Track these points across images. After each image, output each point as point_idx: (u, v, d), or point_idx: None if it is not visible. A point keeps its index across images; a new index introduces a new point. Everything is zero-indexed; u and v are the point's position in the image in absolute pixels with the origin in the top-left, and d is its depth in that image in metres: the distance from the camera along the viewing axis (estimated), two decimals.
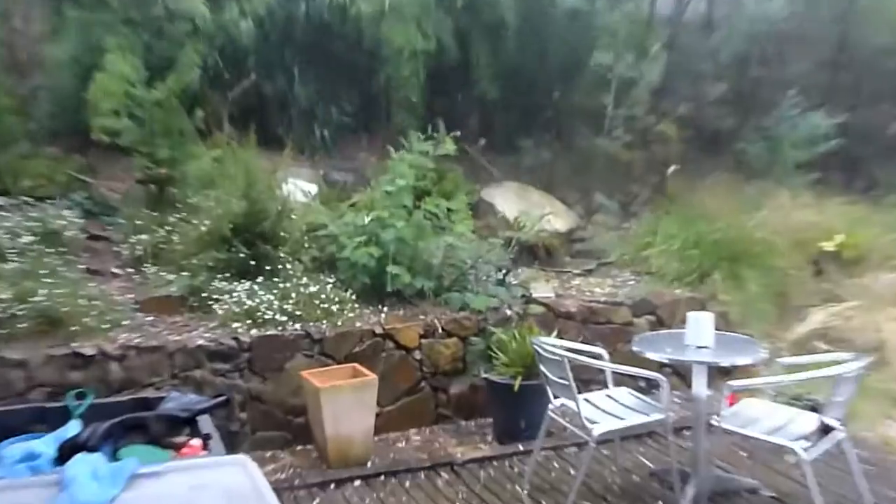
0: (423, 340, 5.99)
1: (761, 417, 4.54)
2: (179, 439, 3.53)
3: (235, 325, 5.53)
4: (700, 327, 4.65)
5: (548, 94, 9.48)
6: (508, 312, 6.21)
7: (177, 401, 3.89)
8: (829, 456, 4.39)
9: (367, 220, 6.36)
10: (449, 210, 7.09)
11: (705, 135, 9.85)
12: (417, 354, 5.98)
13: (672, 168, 9.03)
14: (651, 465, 5.31)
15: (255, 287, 5.83)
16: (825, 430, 4.29)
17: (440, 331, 6.05)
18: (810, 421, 4.40)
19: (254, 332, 5.50)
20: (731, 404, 4.70)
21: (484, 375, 5.83)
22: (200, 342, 5.30)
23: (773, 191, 8.27)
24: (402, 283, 6.20)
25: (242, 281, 5.92)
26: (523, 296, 6.49)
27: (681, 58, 9.86)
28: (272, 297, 5.74)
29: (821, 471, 4.47)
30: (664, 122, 9.40)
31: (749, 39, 9.78)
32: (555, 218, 8.06)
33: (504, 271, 6.63)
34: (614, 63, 8.72)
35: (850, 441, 4.35)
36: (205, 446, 3.46)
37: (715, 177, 8.80)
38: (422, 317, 6.11)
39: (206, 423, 3.66)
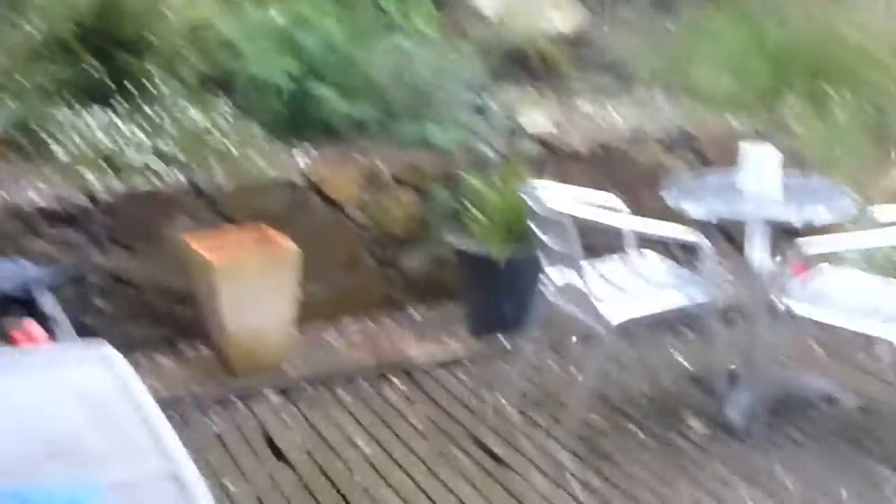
0: (364, 193, 5.95)
1: (844, 295, 4.58)
2: (7, 323, 3.50)
3: (88, 174, 5.43)
4: (760, 168, 4.64)
5: None
6: (488, 152, 6.15)
7: None
8: None
9: (279, 18, 6.20)
10: (401, 1, 6.92)
11: None
12: (356, 213, 5.95)
13: None
14: (690, 366, 5.39)
15: (115, 118, 5.71)
16: None
17: (389, 179, 5.99)
18: None
19: (115, 184, 5.43)
20: (803, 277, 4.72)
21: (453, 243, 5.81)
22: (35, 200, 5.22)
23: None
24: (332, 109, 6.10)
25: (96, 108, 5.78)
26: (509, 127, 6.42)
27: None
28: (140, 133, 5.64)
29: None
30: None
31: None
32: (556, 13, 7.91)
33: (482, 92, 6.53)
34: None
35: None
36: (48, 334, 3.44)
37: None
38: (362, 159, 6.03)
39: (48, 302, 3.64)
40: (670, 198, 4.71)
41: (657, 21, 8.46)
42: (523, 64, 7.62)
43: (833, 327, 4.44)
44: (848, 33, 7.36)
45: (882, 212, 4.92)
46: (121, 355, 2.73)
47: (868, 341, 4.54)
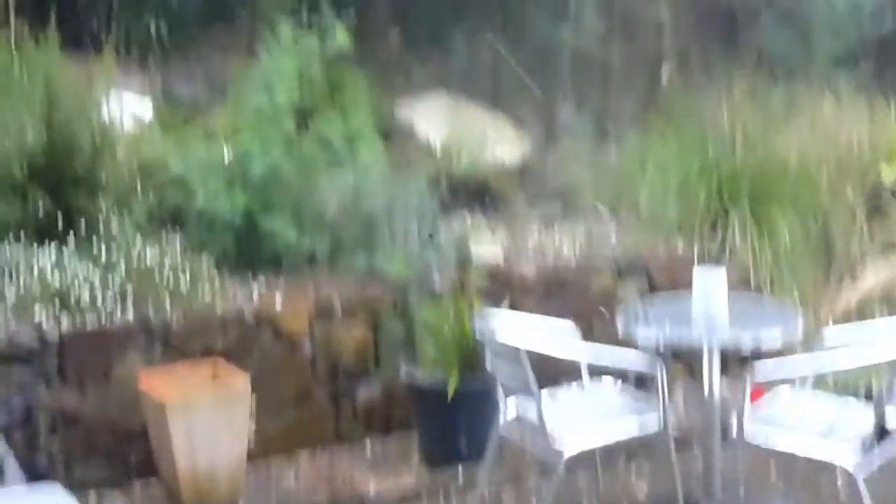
0: (315, 325, 5.95)
1: (799, 418, 4.62)
2: None
3: (37, 312, 5.41)
4: (711, 292, 4.69)
5: None
6: (438, 281, 6.19)
7: None
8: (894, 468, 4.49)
9: (227, 152, 6.25)
10: (349, 135, 7.01)
11: (713, 18, 9.91)
12: (308, 346, 5.94)
13: (667, 68, 9.07)
14: (648, 494, 5.37)
15: (65, 255, 5.70)
16: (885, 432, 4.38)
17: (340, 310, 6.00)
18: (865, 420, 4.49)
19: (65, 322, 5.39)
20: (756, 399, 4.76)
21: (404, 374, 5.81)
22: None
23: (809, 96, 8.36)
24: (282, 243, 6.15)
25: (46, 246, 5.78)
26: (459, 258, 6.47)
27: None
28: (91, 270, 5.63)
29: (883, 488, 4.56)
30: (655, 3, 9.43)
31: None
32: (502, 144, 8.04)
33: (431, 222, 6.59)
34: None
35: None
36: None
37: (728, 79, 8.86)
38: (313, 290, 6.05)
39: None
40: (623, 324, 4.75)
41: (601, 149, 8.63)
42: (471, 193, 7.72)
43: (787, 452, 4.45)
44: (789, 155, 7.51)
45: (832, 331, 5.01)
46: (72, 497, 2.71)
47: (824, 463, 4.54)
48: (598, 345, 4.84)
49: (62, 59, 6.59)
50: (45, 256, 5.69)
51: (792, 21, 9.36)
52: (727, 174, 7.35)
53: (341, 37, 6.66)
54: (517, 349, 4.47)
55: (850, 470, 4.22)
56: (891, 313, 6.63)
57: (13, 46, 6.80)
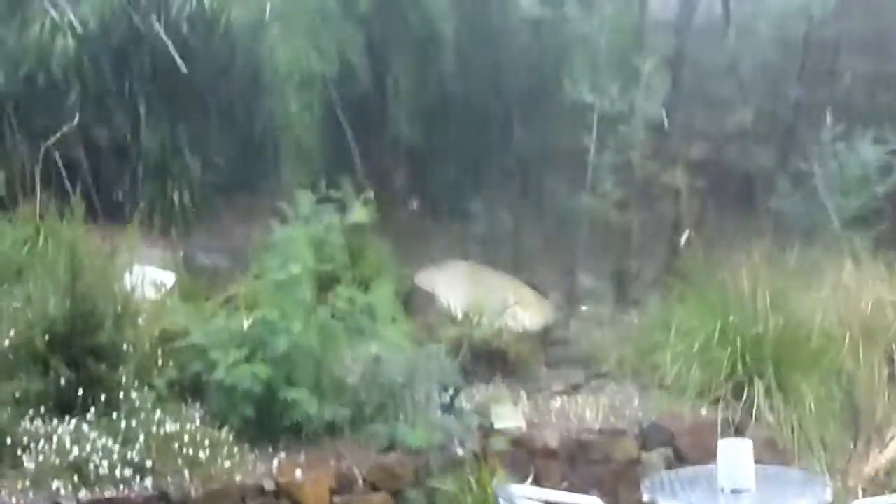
0: (335, 498, 5.90)
1: None
2: None
3: (55, 483, 5.39)
4: (736, 462, 4.64)
5: (505, 134, 9.58)
6: (460, 451, 6.14)
7: None
8: None
9: (248, 323, 6.28)
10: (369, 304, 7.04)
11: (730, 184, 10.01)
12: None
13: (686, 234, 9.12)
14: None
15: (85, 427, 5.70)
16: None
17: (361, 482, 5.96)
18: None
19: (83, 493, 5.38)
20: None
21: None
22: None
23: (828, 261, 8.38)
24: (303, 413, 6.12)
25: (65, 418, 5.78)
26: (481, 426, 6.43)
27: (691, 78, 10.07)
28: (110, 442, 5.62)
29: None
30: (671, 170, 9.53)
31: (782, 46, 10.04)
32: (523, 310, 8.04)
33: (452, 391, 6.57)
34: (596, 90, 8.84)
35: None
36: None
37: (746, 243, 8.90)
38: (333, 462, 6.02)
39: None
40: (649, 494, 4.69)
41: (622, 314, 8.64)
42: (493, 361, 7.70)
43: None
44: (811, 318, 7.49)
45: (862, 502, 4.93)
46: None
47: None
48: None
49: (86, 229, 6.65)
50: (65, 428, 5.69)
51: (805, 183, 9.43)
52: (749, 338, 7.32)
53: (361, 211, 6.75)
54: None
55: None
56: None
57: (38, 218, 6.91)
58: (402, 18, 8.86)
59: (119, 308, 6.25)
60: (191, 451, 5.74)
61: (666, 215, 9.53)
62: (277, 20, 8.42)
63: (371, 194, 6.96)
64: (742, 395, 7.10)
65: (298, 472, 5.88)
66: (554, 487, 5.46)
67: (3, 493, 5.36)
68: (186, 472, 5.65)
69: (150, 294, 6.99)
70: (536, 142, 9.65)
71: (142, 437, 5.70)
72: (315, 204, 6.84)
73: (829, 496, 4.61)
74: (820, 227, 9.11)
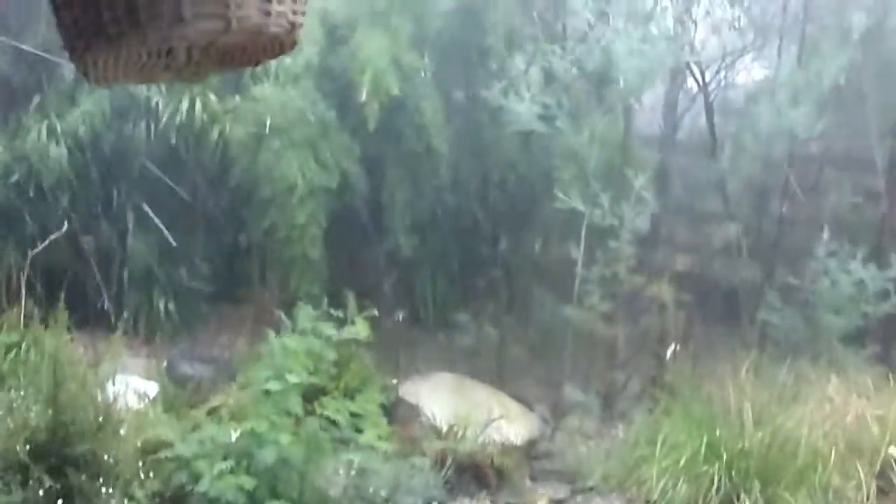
0: None
1: None
2: None
3: None
4: None
5: (492, 245, 9.65)
6: None
7: None
8: None
9: (235, 434, 6.24)
10: (354, 415, 7.02)
11: (715, 298, 10.06)
12: None
13: (672, 347, 9.14)
14: None
15: None
16: None
17: None
18: None
19: None
20: None
21: None
22: None
23: (815, 375, 8.39)
24: None
25: None
26: None
27: (676, 192, 10.19)
28: None
29: None
30: (657, 283, 9.58)
31: (768, 163, 10.18)
32: (508, 424, 8.02)
33: (437, 502, 6.52)
34: (583, 203, 8.94)
35: None
36: None
37: (733, 357, 8.92)
38: None
39: None
40: None
41: (608, 427, 8.61)
42: (477, 475, 7.65)
43: None
44: (798, 433, 7.46)
45: None
46: None
47: None
48: None
49: (70, 337, 6.65)
50: None
51: (795, 299, 9.48)
52: (736, 453, 7.30)
53: (362, 328, 6.79)
54: None
55: None
56: None
57: (22, 326, 6.89)
58: (398, 132, 8.99)
59: (101, 418, 6.20)
60: None
61: (652, 328, 9.55)
62: (277, 133, 8.54)
63: (374, 311, 6.96)
64: None
65: None
66: None
67: None
68: None
69: (134, 404, 6.95)
70: (524, 254, 9.73)
71: None
72: (314, 317, 6.85)
73: None
74: (806, 342, 9.15)
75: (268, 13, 1.54)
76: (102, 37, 1.52)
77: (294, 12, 1.58)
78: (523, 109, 8.94)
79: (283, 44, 1.62)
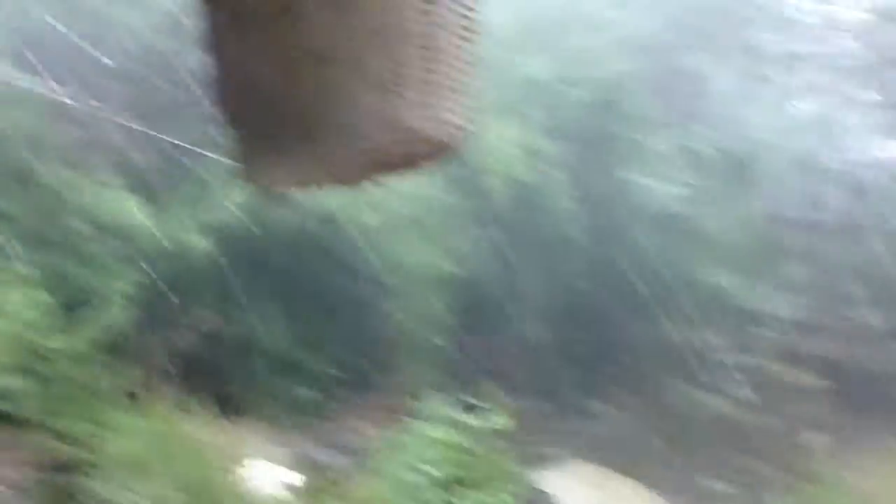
0: None
1: None
2: None
3: None
4: None
5: (627, 331, 9.54)
6: None
7: None
8: None
9: None
10: None
11: (862, 386, 9.79)
12: None
13: (814, 435, 8.92)
14: None
15: None
16: None
17: None
18: None
19: None
20: None
21: None
22: None
23: None
24: None
25: None
26: None
27: (819, 276, 9.97)
28: None
29: None
30: (799, 370, 9.38)
31: None
32: None
33: None
34: (722, 286, 8.81)
35: None
36: None
37: (880, 447, 8.67)
38: None
39: None
40: None
41: None
42: None
43: None
44: None
45: None
46: None
47: None
48: None
49: (211, 424, 6.72)
50: None
51: None
52: None
53: (499, 418, 6.75)
54: None
55: None
56: None
57: (166, 412, 6.98)
58: (530, 219, 8.98)
59: None
60: None
61: (793, 417, 9.33)
62: (404, 220, 8.59)
63: (509, 400, 6.92)
64: None
65: None
66: None
67: None
68: None
69: (272, 491, 6.97)
70: (661, 339, 9.59)
71: None
72: (447, 406, 6.83)
73: None
74: None
75: (438, 120, 1.53)
76: (272, 148, 1.53)
77: (466, 118, 1.56)
78: (662, 190, 8.87)
79: (451, 150, 1.60)
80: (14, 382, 6.79)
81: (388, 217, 8.67)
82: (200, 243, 8.25)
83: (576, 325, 9.39)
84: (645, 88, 9.44)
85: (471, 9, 1.54)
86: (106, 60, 7.80)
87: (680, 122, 9.46)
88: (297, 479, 7.48)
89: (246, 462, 6.78)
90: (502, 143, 8.66)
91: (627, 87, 9.26)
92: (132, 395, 7.25)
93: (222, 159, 7.67)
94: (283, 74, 1.51)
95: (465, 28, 1.54)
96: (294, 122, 1.48)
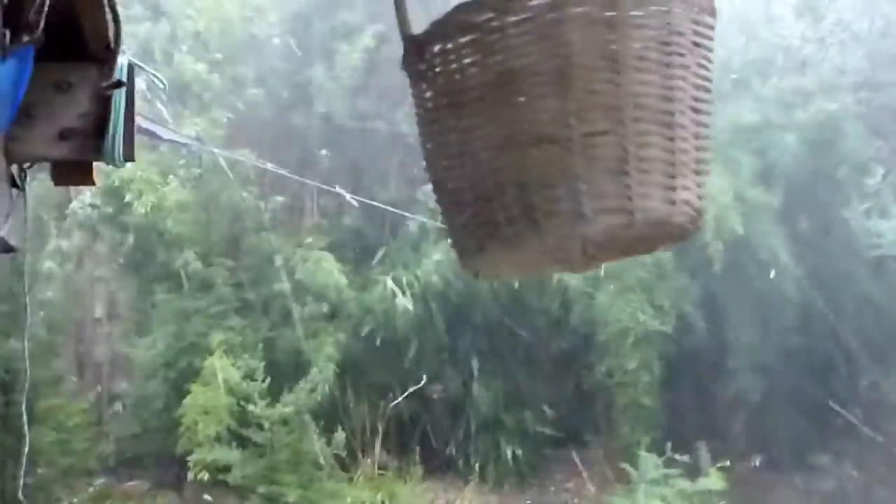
0: None
1: None
2: None
3: None
4: None
5: (850, 381, 9.14)
6: None
7: None
8: None
9: None
10: None
11: None
12: None
13: None
14: None
15: None
16: None
17: None
18: None
19: None
20: None
21: None
22: None
23: None
24: None
25: None
26: None
27: None
28: None
29: None
30: None
31: None
32: None
33: None
34: None
35: None
36: None
37: None
38: None
39: None
40: None
41: None
42: None
43: None
44: None
45: None
46: None
47: None
48: None
49: (422, 485, 6.71)
50: None
51: None
52: None
53: (717, 478, 6.54)
54: None
55: None
56: None
57: (378, 475, 7.00)
58: (742, 270, 8.67)
59: None
60: None
61: None
62: (612, 278, 8.42)
63: (727, 461, 6.69)
64: None
65: None
66: None
67: None
68: None
69: None
70: (887, 389, 9.15)
71: None
72: (660, 466, 6.64)
73: None
74: None
75: (672, 202, 1.40)
76: (497, 238, 1.44)
77: (699, 197, 1.44)
78: (888, 228, 8.49)
79: (686, 231, 1.47)
80: (230, 453, 6.91)
81: (593, 272, 8.52)
82: (408, 305, 8.27)
83: (793, 377, 9.04)
84: (859, 127, 9.07)
85: (708, 80, 1.42)
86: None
87: None
88: None
89: None
90: (713, 190, 8.42)
91: (841, 126, 8.90)
92: (343, 461, 7.29)
93: (428, 221, 7.71)
94: (502, 155, 1.42)
95: (701, 101, 1.42)
96: (512, 208, 1.39)
